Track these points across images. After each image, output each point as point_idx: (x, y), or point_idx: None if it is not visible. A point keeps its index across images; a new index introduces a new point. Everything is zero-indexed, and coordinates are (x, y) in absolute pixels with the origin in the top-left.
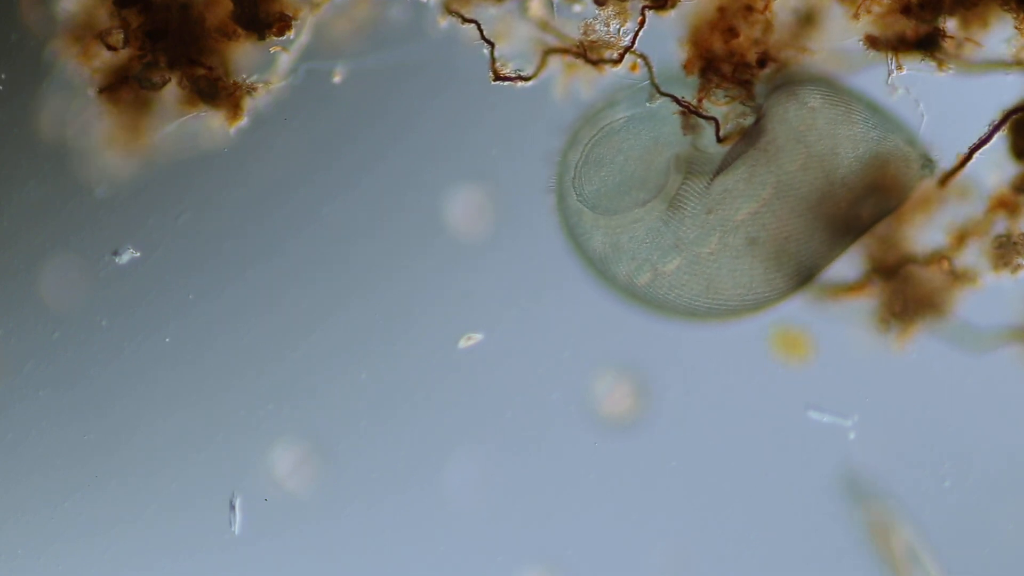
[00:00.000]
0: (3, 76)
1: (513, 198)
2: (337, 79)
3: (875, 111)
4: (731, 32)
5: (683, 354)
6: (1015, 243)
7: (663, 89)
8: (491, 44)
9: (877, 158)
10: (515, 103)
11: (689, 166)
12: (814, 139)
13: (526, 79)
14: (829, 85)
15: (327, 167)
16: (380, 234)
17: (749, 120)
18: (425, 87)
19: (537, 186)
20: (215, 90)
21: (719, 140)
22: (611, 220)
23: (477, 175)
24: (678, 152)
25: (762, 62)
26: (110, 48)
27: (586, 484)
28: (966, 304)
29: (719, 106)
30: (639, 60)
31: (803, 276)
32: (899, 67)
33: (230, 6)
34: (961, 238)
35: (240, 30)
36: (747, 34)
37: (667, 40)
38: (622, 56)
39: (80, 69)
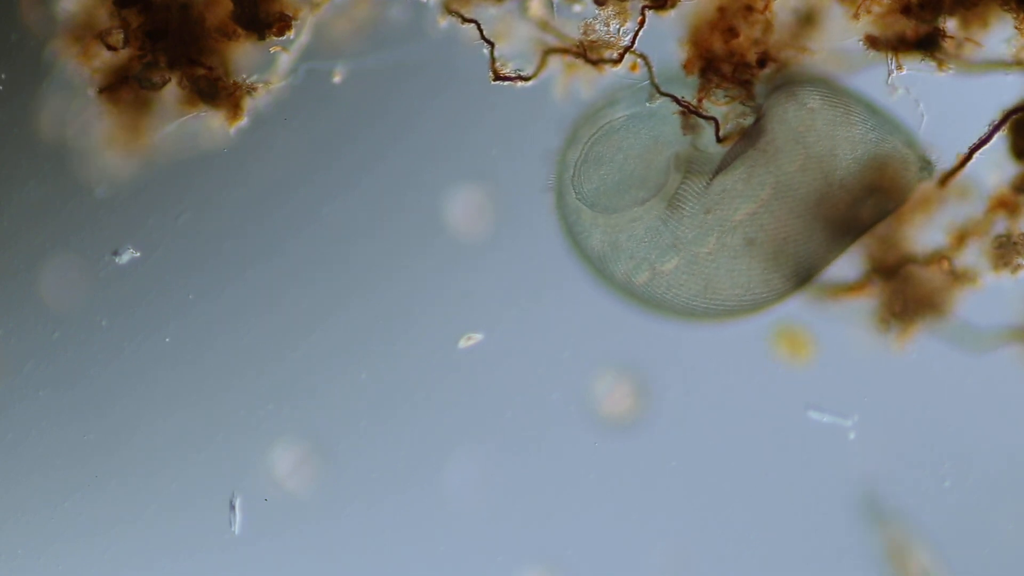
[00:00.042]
0: (3, 76)
1: (513, 198)
2: (337, 79)
3: (874, 112)
4: (731, 32)
5: (683, 354)
6: (1015, 243)
7: (663, 89)
8: (491, 44)
9: (875, 160)
10: (515, 103)
11: (689, 165)
12: (813, 140)
13: (526, 79)
14: (828, 86)
15: (327, 167)
16: (380, 234)
17: (749, 120)
18: (425, 87)
19: (537, 186)
20: (215, 90)
21: (719, 140)
22: (610, 219)
23: (477, 175)
24: (678, 151)
25: (762, 62)
26: (110, 48)
27: (586, 484)
28: (966, 304)
29: (719, 106)
30: (639, 60)
31: (801, 277)
32: (899, 67)
33: (230, 6)
34: (961, 238)
35: (240, 30)
36: (747, 34)
37: (667, 40)
38: (622, 56)
39: (80, 69)
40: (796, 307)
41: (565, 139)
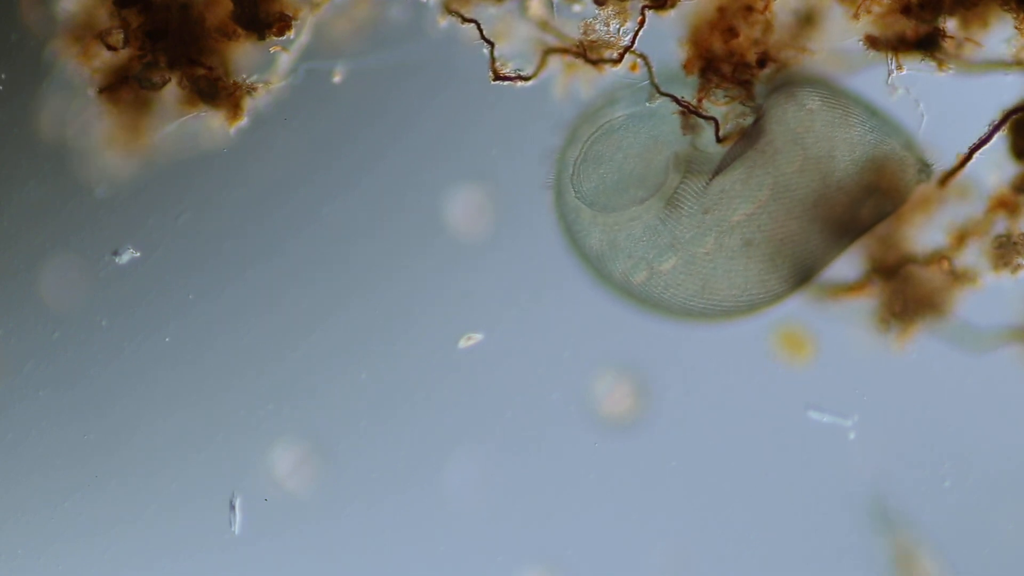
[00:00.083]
0: (3, 76)
1: (513, 198)
2: (337, 79)
3: (873, 114)
4: (731, 32)
5: (683, 354)
6: (1015, 243)
7: (663, 89)
8: (491, 44)
9: (873, 162)
10: (515, 103)
11: (688, 165)
12: (812, 141)
13: (526, 79)
14: (828, 87)
15: (327, 167)
16: (380, 234)
17: (748, 120)
18: (425, 87)
19: (537, 186)
20: (215, 90)
21: (719, 140)
22: (609, 218)
23: (477, 175)
24: (677, 151)
25: (762, 62)
26: (110, 48)
27: (586, 484)
28: (966, 304)
29: (719, 106)
30: (639, 60)
31: (799, 278)
32: (899, 67)
33: (230, 6)
34: (961, 238)
35: (240, 30)
36: (747, 34)
37: (667, 40)
38: (622, 56)
39: (80, 69)
40: (796, 307)
41: (564, 138)
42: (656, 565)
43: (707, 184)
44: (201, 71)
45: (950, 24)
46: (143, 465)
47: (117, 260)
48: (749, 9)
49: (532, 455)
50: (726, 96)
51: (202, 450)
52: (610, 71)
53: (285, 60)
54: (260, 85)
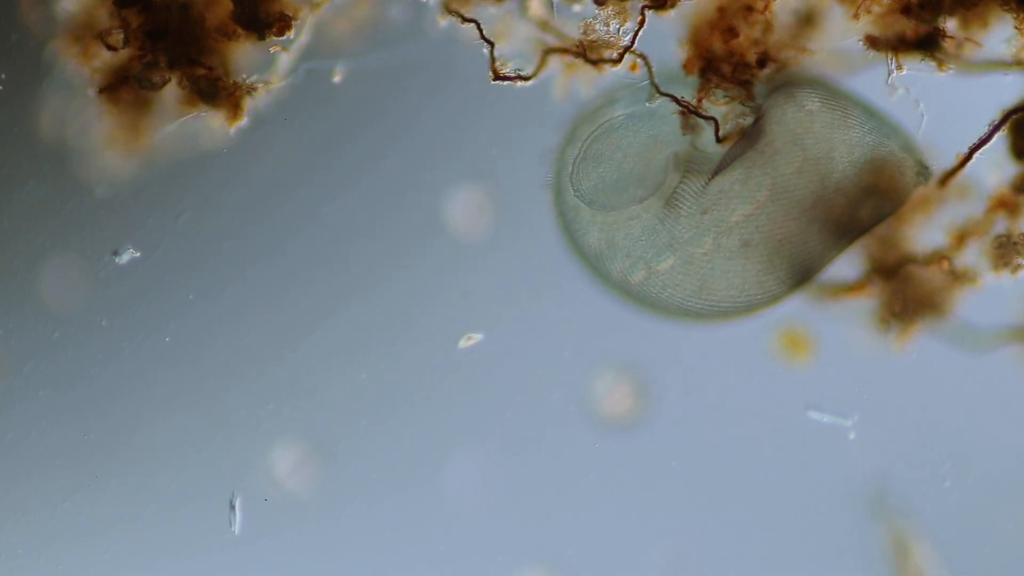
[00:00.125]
0: (3, 76)
1: (513, 198)
2: (337, 79)
3: (872, 116)
4: (731, 32)
5: (683, 354)
6: (1015, 243)
7: (663, 89)
8: (491, 44)
9: (872, 163)
10: (515, 103)
11: (688, 165)
12: (811, 142)
13: (526, 79)
14: (827, 88)
15: (327, 167)
16: (380, 234)
17: (748, 120)
18: (425, 87)
19: (537, 186)
20: (215, 90)
21: (718, 140)
22: (608, 216)
23: (477, 175)
24: (677, 150)
25: (762, 62)
26: (110, 48)
27: (586, 484)
28: (966, 304)
29: (719, 106)
30: (639, 60)
31: (797, 279)
32: (899, 67)
33: (230, 6)
34: (961, 238)
35: (240, 30)
36: (747, 34)
37: (667, 40)
38: (622, 56)
39: (80, 69)
40: (796, 307)
41: (564, 137)
42: (656, 565)
43: (706, 184)
44: (201, 71)
45: (950, 24)
46: (143, 465)
47: (117, 260)
48: (749, 9)
49: (532, 455)
50: (726, 96)
51: (202, 450)
52: (610, 71)
53: (285, 60)
54: (260, 85)
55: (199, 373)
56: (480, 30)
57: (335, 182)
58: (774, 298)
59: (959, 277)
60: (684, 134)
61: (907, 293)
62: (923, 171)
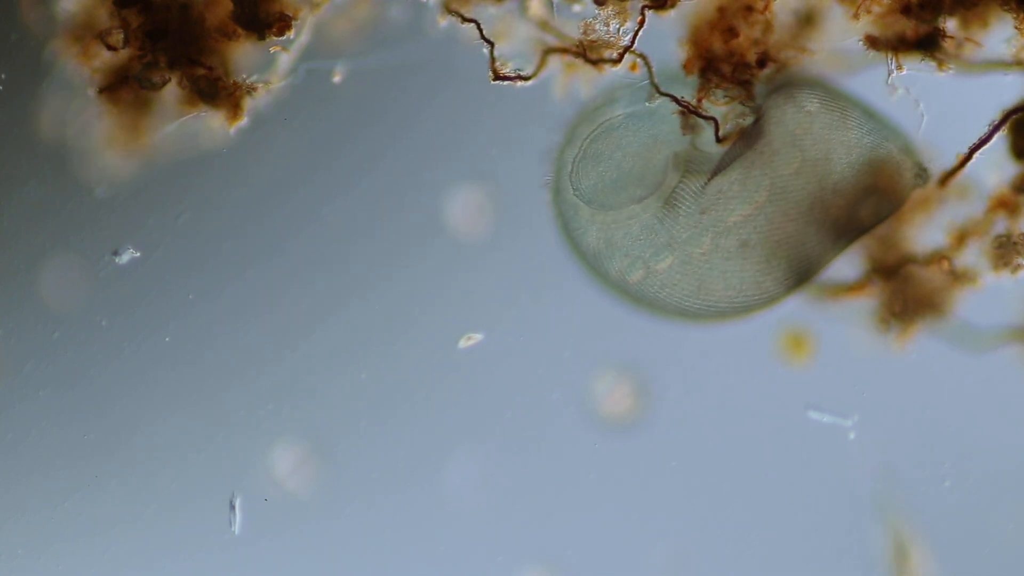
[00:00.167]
0: (3, 76)
1: (513, 198)
2: (337, 79)
3: (871, 117)
4: (731, 32)
5: (683, 355)
6: (1015, 243)
7: (663, 89)
8: (491, 44)
9: (870, 165)
10: (515, 103)
11: (687, 165)
12: (809, 144)
13: (526, 79)
14: (827, 89)
15: (327, 167)
16: (380, 234)
17: (748, 120)
18: (425, 87)
19: (537, 186)
20: (215, 90)
21: (718, 140)
22: (607, 216)
23: (477, 175)
24: (677, 150)
25: (762, 62)
26: (110, 48)
27: (586, 484)
28: (966, 304)
29: (718, 106)
30: (639, 60)
31: (795, 280)
32: (899, 67)
33: (230, 6)
34: (961, 238)
35: (240, 30)
36: (747, 34)
37: (667, 40)
38: (622, 56)
39: (80, 69)
40: (796, 308)
41: (564, 136)
42: (656, 565)
43: (705, 184)
44: (201, 71)
45: (950, 24)
46: (143, 465)
47: (117, 260)
48: (749, 9)
49: (532, 455)
50: (726, 96)
51: (202, 450)
52: (610, 71)
53: (285, 60)
54: (260, 85)
55: (199, 373)
56: (480, 30)
57: (335, 182)
58: (772, 299)
59: (959, 277)
60: (684, 134)
61: (907, 293)
62: (921, 173)
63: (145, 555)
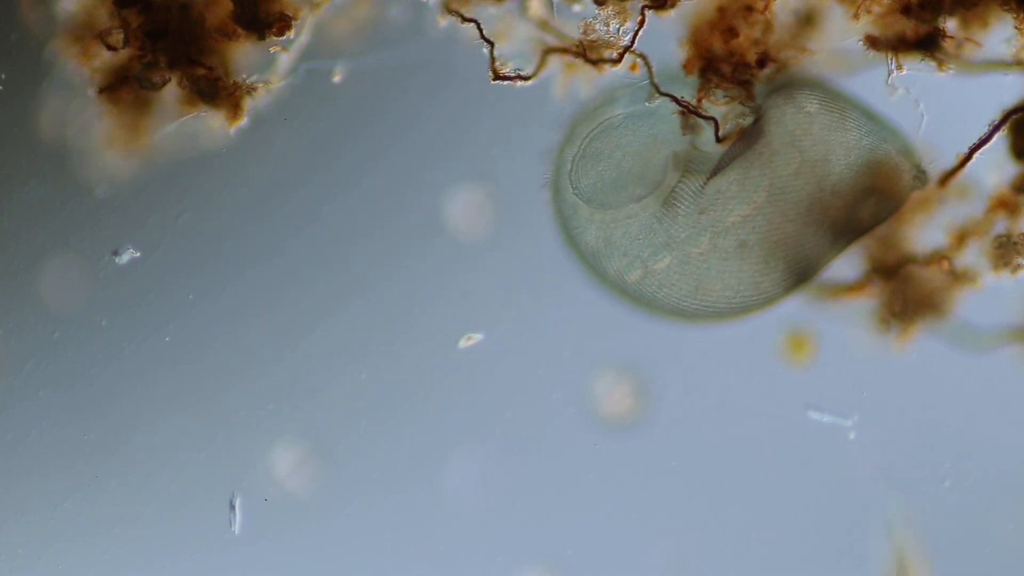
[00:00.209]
0: (3, 76)
1: (513, 198)
2: (337, 79)
3: (870, 118)
4: (731, 32)
5: (683, 354)
6: (1015, 243)
7: (663, 89)
8: (491, 43)
9: (868, 166)
10: (515, 103)
11: (687, 164)
12: (808, 144)
13: (526, 78)
14: (826, 90)
15: (327, 167)
16: (380, 234)
17: (748, 120)
18: (425, 87)
19: (537, 186)
20: (215, 90)
21: (718, 140)
22: (606, 215)
23: (477, 175)
24: (676, 150)
25: (762, 62)
26: (110, 48)
27: (586, 484)
28: (966, 304)
29: (718, 106)
30: (639, 60)
31: (793, 281)
32: (899, 67)
33: (230, 6)
34: (961, 238)
35: (240, 30)
36: (747, 34)
37: (667, 40)
38: (622, 56)
39: (80, 69)
40: (796, 308)
41: (563, 135)
42: (656, 565)
43: (705, 184)
44: (201, 71)
45: (950, 24)
46: (143, 465)
47: (117, 260)
48: (749, 9)
49: (532, 455)
50: (726, 96)
51: (202, 450)
52: (610, 71)
53: (285, 60)
54: (260, 85)
55: (199, 373)
56: (480, 30)
57: (335, 182)
58: (770, 299)
59: (959, 277)
60: (684, 134)
61: (907, 293)
62: (920, 175)
63: (145, 555)
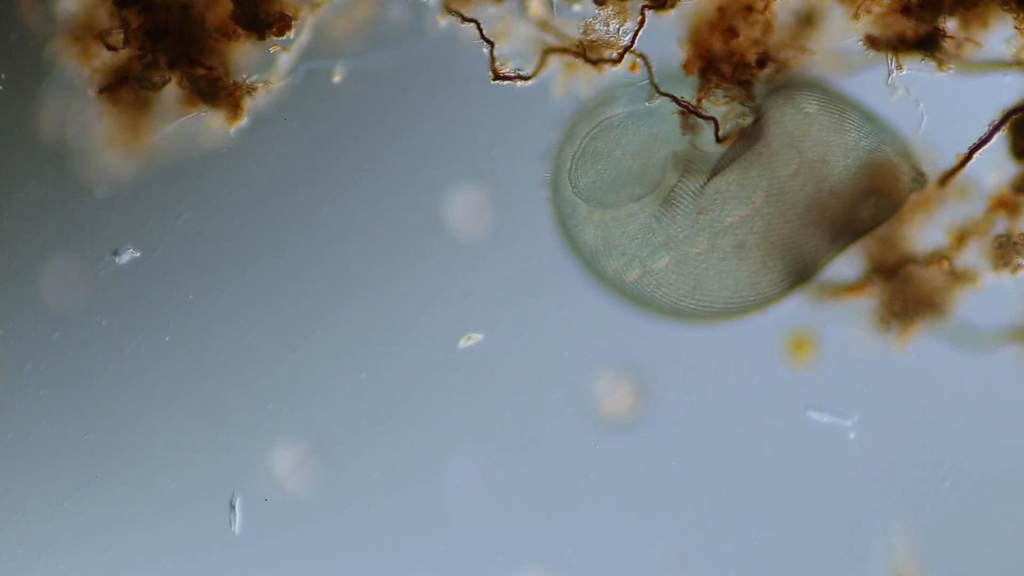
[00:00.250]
0: (3, 76)
1: (513, 198)
2: (337, 79)
3: (869, 120)
4: (731, 32)
5: (683, 354)
6: (1015, 243)
7: (663, 89)
8: (491, 43)
9: (867, 168)
10: (515, 103)
11: (687, 164)
12: (808, 146)
13: (525, 78)
14: (825, 91)
15: (327, 167)
16: (380, 234)
17: (748, 120)
18: (425, 87)
19: (537, 186)
20: (215, 90)
21: (718, 140)
22: (605, 214)
23: (477, 175)
24: (676, 149)
25: (762, 62)
26: (110, 48)
27: (586, 484)
28: (966, 304)
29: (718, 106)
30: (639, 60)
31: (792, 281)
32: (899, 67)
33: (230, 6)
34: (961, 238)
35: (240, 30)
36: (747, 34)
37: (667, 40)
38: (621, 56)
39: (80, 69)
40: (797, 308)
41: (563, 134)
42: (656, 565)
43: (704, 184)
44: (201, 71)
45: (950, 24)
46: (143, 465)
47: (117, 260)
48: (749, 9)
49: (532, 455)
50: (726, 96)
51: (202, 450)
52: (610, 71)
53: (285, 60)
54: (260, 85)
55: (199, 373)
56: (480, 30)
57: (335, 182)
58: (767, 300)
59: (959, 277)
60: (684, 134)
61: (907, 293)
62: (919, 177)
63: (145, 555)
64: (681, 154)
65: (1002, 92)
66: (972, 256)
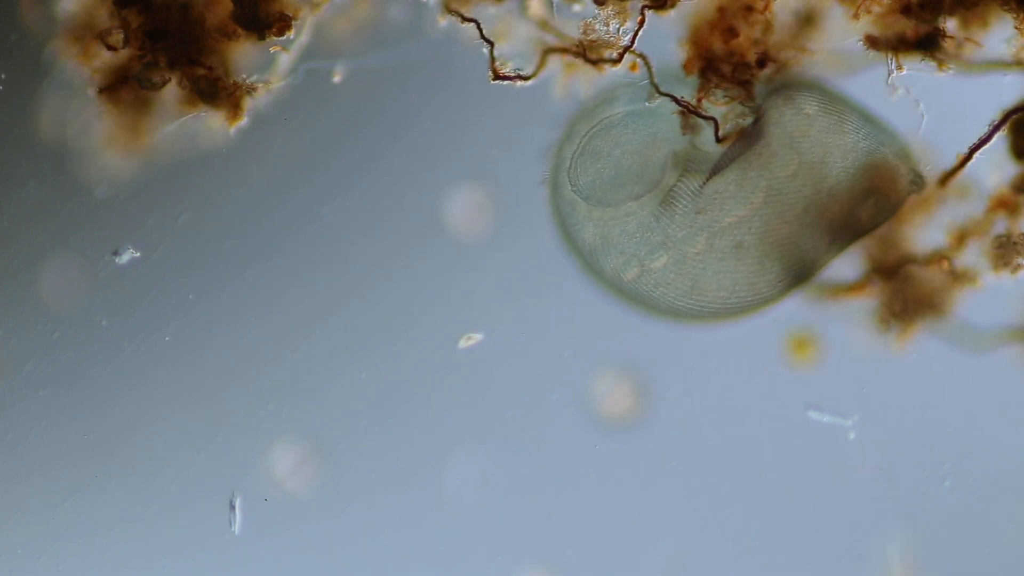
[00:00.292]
0: (3, 76)
1: (513, 198)
2: (337, 79)
3: (869, 121)
4: (731, 32)
5: (683, 354)
6: (1015, 243)
7: (663, 89)
8: (491, 43)
9: (865, 170)
10: (515, 103)
11: (686, 164)
12: (807, 147)
13: (525, 78)
14: (825, 92)
15: (327, 167)
16: (380, 234)
17: (748, 120)
18: (425, 87)
19: (537, 186)
20: (215, 90)
21: (718, 140)
22: (604, 213)
23: (477, 175)
24: (676, 149)
25: (762, 62)
26: (110, 48)
27: (586, 484)
28: (966, 304)
29: (718, 106)
30: (638, 60)
31: (790, 282)
32: (899, 67)
33: (230, 6)
34: (961, 238)
35: (240, 30)
36: (747, 34)
37: (667, 40)
38: (621, 56)
39: (80, 69)
40: (798, 309)
41: (563, 133)
42: (656, 565)
43: (703, 184)
44: (201, 71)
45: (950, 24)
46: (143, 465)
47: (117, 260)
48: (749, 9)
49: (532, 455)
50: (726, 96)
51: (202, 450)
52: (610, 71)
53: (285, 60)
54: (260, 85)
55: (199, 373)
56: (480, 30)
57: (335, 182)
58: (765, 301)
59: (959, 277)
60: (684, 134)
61: (907, 293)
62: (917, 179)
63: (145, 555)
64: (681, 154)
65: (1002, 92)
66: (972, 256)
